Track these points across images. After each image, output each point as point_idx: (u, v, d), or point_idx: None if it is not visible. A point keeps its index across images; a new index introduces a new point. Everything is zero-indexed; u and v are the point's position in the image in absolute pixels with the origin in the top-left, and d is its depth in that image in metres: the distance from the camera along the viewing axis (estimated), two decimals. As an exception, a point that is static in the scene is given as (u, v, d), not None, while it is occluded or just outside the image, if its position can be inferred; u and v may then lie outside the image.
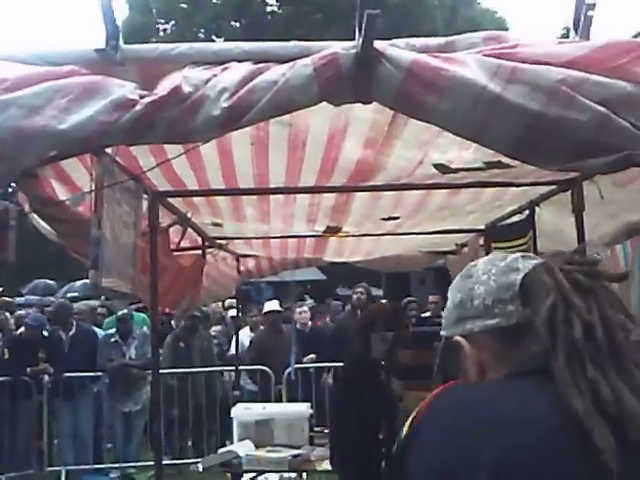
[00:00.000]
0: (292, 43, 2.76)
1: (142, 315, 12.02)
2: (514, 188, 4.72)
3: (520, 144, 2.48)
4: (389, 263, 8.98)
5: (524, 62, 2.45)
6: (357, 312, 11.37)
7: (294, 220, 6.22)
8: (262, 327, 11.97)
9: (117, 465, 10.82)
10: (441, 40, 2.79)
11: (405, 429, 1.61)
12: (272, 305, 11.71)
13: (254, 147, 3.84)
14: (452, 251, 8.30)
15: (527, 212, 5.66)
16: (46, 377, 10.52)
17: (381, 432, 6.09)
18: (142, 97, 2.53)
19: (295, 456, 6.72)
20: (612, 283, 1.66)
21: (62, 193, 3.82)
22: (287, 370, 10.65)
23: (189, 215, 5.68)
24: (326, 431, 7.73)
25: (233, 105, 2.49)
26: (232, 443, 7.47)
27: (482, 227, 6.88)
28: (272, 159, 4.08)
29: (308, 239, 7.66)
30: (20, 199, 3.81)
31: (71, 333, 10.73)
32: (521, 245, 5.86)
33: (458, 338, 1.73)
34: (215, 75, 2.58)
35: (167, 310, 11.21)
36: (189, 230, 6.03)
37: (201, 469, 6.96)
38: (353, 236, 7.18)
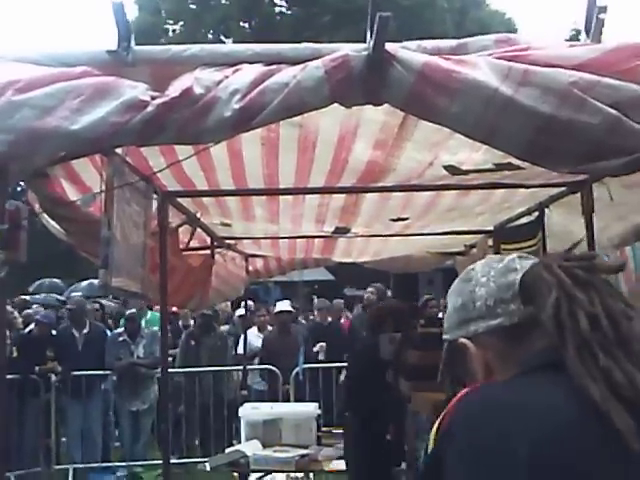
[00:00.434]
0: (303, 45, 2.76)
1: (157, 314, 12.10)
2: (524, 189, 4.71)
3: (531, 146, 2.48)
4: (398, 264, 8.99)
5: (536, 65, 2.45)
6: (367, 312, 11.39)
7: (303, 220, 6.22)
8: (269, 327, 12.00)
9: (124, 464, 10.82)
10: (453, 42, 2.79)
11: (431, 441, 1.62)
12: (283, 305, 11.72)
13: (264, 148, 3.85)
14: (461, 252, 8.30)
15: (536, 213, 5.66)
16: (54, 376, 10.54)
17: (389, 433, 6.10)
18: (154, 98, 2.53)
19: (302, 456, 6.73)
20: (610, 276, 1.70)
21: (72, 193, 3.84)
22: (295, 370, 10.65)
23: (198, 215, 5.69)
24: (334, 431, 7.75)
25: (244, 106, 2.50)
26: (240, 442, 7.48)
27: (491, 228, 6.87)
28: (282, 160, 4.09)
29: (317, 239, 7.67)
30: (30, 198, 3.82)
31: (85, 331, 10.76)
32: (530, 247, 5.85)
33: (463, 340, 1.76)
34: (226, 77, 2.59)
35: (174, 309, 11.23)
36: (198, 230, 6.05)
37: (208, 468, 6.97)
38: (362, 236, 7.18)
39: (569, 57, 2.49)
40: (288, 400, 10.39)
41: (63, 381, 10.51)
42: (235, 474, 7.16)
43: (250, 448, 6.84)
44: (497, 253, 6.72)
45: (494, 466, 1.44)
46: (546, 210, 5.49)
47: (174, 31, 34.27)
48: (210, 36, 32.75)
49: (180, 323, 12.53)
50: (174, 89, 2.55)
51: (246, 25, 33.65)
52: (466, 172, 4.16)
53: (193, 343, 11.22)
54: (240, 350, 11.05)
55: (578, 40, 2.89)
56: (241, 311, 11.91)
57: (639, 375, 1.47)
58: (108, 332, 11.31)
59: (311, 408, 7.59)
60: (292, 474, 7.26)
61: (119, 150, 3.45)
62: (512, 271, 1.71)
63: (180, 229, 5.62)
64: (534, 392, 1.52)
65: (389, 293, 12.21)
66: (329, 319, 12.43)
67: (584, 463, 1.41)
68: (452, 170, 4.13)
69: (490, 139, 2.56)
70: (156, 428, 10.72)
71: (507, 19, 37.17)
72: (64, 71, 2.62)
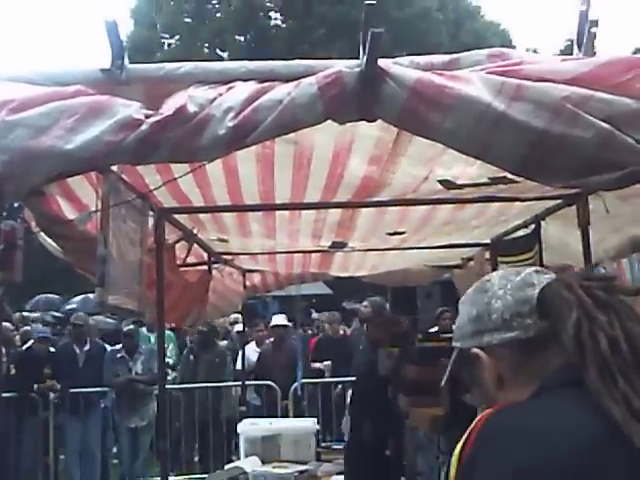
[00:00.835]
0: (296, 62, 2.77)
1: (170, 334, 12.13)
2: (519, 203, 4.72)
3: (524, 162, 2.49)
4: (395, 277, 8.98)
5: (528, 79, 2.46)
6: (364, 325, 11.40)
7: (300, 235, 6.22)
8: (268, 341, 12.00)
9: (123, 481, 10.80)
10: (445, 57, 2.80)
11: (453, 468, 1.61)
12: (279, 319, 11.72)
13: (259, 164, 3.86)
14: (458, 265, 8.29)
15: (533, 226, 5.66)
16: (52, 393, 10.52)
17: (388, 449, 6.08)
18: (147, 117, 2.54)
19: (302, 472, 6.70)
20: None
21: (68, 210, 3.83)
22: (294, 385, 10.63)
23: (195, 231, 5.69)
24: (334, 447, 7.73)
25: (238, 124, 2.50)
26: (239, 459, 7.46)
27: (488, 241, 6.87)
28: (277, 176, 4.10)
29: (314, 254, 7.67)
30: (26, 216, 3.82)
31: (86, 348, 10.75)
32: (527, 259, 5.85)
33: (476, 350, 1.76)
34: (220, 94, 2.59)
35: (173, 325, 11.23)
36: (195, 246, 6.04)
37: (208, 485, 6.95)
38: (359, 251, 7.18)
39: (561, 71, 2.49)
40: (287, 415, 10.37)
41: (61, 398, 10.48)
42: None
43: (249, 464, 6.82)
44: (494, 266, 6.73)
45: None
46: (542, 223, 5.49)
47: (170, 45, 34.27)
48: (206, 50, 32.78)
49: (188, 339, 12.49)
50: (168, 107, 2.56)
51: (242, 38, 33.66)
52: (461, 186, 4.16)
53: (192, 358, 11.20)
54: (239, 366, 11.03)
55: (572, 51, 2.89)
56: (239, 326, 11.90)
57: None
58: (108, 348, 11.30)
59: (310, 423, 7.56)
60: (292, 490, 7.24)
61: (114, 168, 3.45)
62: (530, 286, 1.72)
63: (177, 245, 5.62)
64: (560, 413, 1.52)
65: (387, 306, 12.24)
66: (341, 332, 12.48)
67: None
68: (447, 184, 4.14)
69: (483, 154, 2.57)
70: (155, 445, 10.69)
71: (502, 30, 37.20)
72: (58, 90, 2.62)
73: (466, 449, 1.58)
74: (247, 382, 10.57)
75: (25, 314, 14.18)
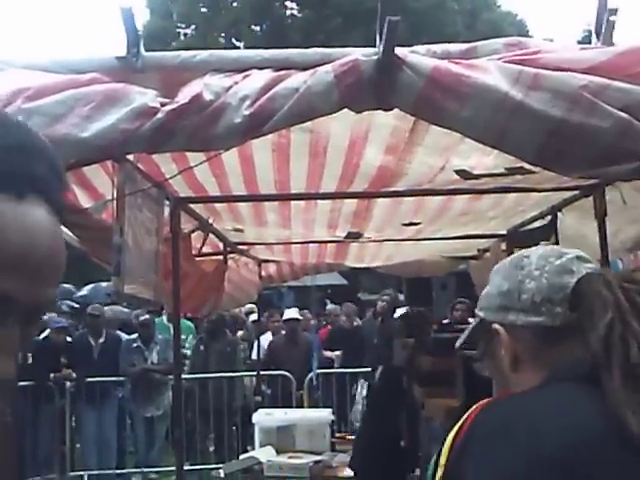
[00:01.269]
0: (312, 50, 2.76)
1: (190, 324, 12.15)
2: (536, 193, 4.69)
3: (542, 151, 2.47)
4: (410, 268, 8.96)
5: (546, 68, 2.44)
6: (377, 319, 11.42)
7: (315, 225, 6.22)
8: (284, 332, 12.04)
9: (139, 470, 10.84)
10: (462, 46, 2.78)
11: (444, 454, 1.59)
12: (291, 313, 11.73)
13: (275, 153, 3.85)
14: (474, 256, 8.26)
15: (549, 217, 5.63)
16: (68, 382, 10.56)
17: (403, 440, 6.07)
18: (163, 105, 2.53)
19: (316, 462, 6.71)
20: None
21: (84, 199, 3.84)
22: (309, 375, 10.64)
23: (211, 221, 5.69)
24: (348, 437, 7.73)
25: (254, 113, 2.49)
26: (254, 449, 7.47)
27: (504, 232, 6.84)
28: (293, 165, 4.09)
29: (329, 244, 7.66)
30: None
31: (101, 340, 10.79)
32: (543, 251, 5.82)
33: (497, 326, 1.74)
34: (236, 82, 2.58)
35: (191, 315, 11.25)
36: (211, 236, 6.05)
37: (223, 475, 6.96)
38: (374, 241, 7.17)
39: (579, 60, 2.47)
40: (302, 406, 10.38)
41: (78, 387, 10.53)
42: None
43: (264, 454, 6.83)
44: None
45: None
46: (559, 214, 5.46)
47: (185, 35, 34.31)
48: (222, 39, 32.77)
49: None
50: (183, 95, 2.55)
51: (257, 28, 33.64)
52: (478, 176, 4.14)
53: (202, 349, 11.21)
54: (254, 356, 11.04)
55: (590, 41, 2.87)
56: (254, 317, 11.92)
57: None
58: (124, 336, 11.33)
59: (325, 414, 7.56)
60: (306, 480, 7.25)
61: (130, 157, 3.45)
62: (568, 273, 1.67)
63: (192, 235, 5.63)
64: (560, 409, 1.50)
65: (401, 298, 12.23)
66: (355, 323, 12.50)
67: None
68: (464, 174, 4.12)
69: (500, 143, 2.55)
70: (170, 434, 10.72)
71: (518, 20, 37.08)
72: (73, 78, 2.62)
73: (458, 437, 1.57)
74: (262, 372, 10.58)
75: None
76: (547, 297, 1.65)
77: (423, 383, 5.67)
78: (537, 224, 6.04)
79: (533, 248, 1.82)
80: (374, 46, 2.54)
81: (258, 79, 2.57)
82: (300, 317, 11.74)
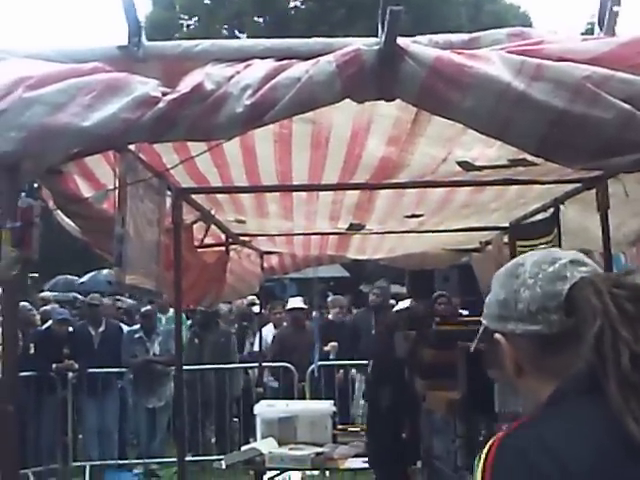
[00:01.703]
0: (314, 39, 2.75)
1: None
2: (538, 186, 4.69)
3: (544, 142, 2.46)
4: (413, 260, 8.96)
5: (549, 59, 2.43)
6: (372, 312, 11.42)
7: (317, 217, 6.21)
8: (285, 324, 12.02)
9: (141, 461, 10.85)
10: (465, 37, 2.77)
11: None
12: (295, 302, 11.71)
13: (277, 144, 3.84)
14: (476, 249, 8.26)
15: (552, 210, 5.62)
16: (70, 373, 10.57)
17: (405, 431, 6.09)
18: (164, 94, 2.53)
19: (318, 454, 6.72)
20: None
21: (86, 189, 3.84)
22: (310, 367, 10.63)
23: (212, 212, 5.69)
24: (350, 429, 7.75)
25: (256, 102, 2.49)
26: (255, 440, 7.48)
27: (506, 225, 6.84)
28: (295, 156, 4.08)
29: (331, 236, 7.65)
30: (44, 195, 3.83)
31: (101, 329, 10.79)
32: (546, 243, 5.82)
33: (498, 336, 1.74)
34: (238, 72, 2.58)
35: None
36: (212, 227, 6.05)
37: (224, 466, 6.98)
38: (376, 233, 7.16)
39: (582, 51, 2.46)
40: (303, 397, 10.38)
41: (79, 378, 10.53)
42: (251, 472, 7.17)
43: (266, 446, 6.84)
44: (513, 250, 6.70)
45: None
46: (561, 206, 5.46)
47: (188, 26, 34.22)
48: (224, 31, 32.69)
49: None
50: (185, 85, 2.55)
51: (260, 20, 33.55)
52: (480, 168, 4.14)
53: (197, 341, 11.18)
54: (256, 347, 11.04)
55: (593, 34, 2.86)
56: (256, 308, 11.91)
57: None
58: (124, 327, 11.33)
59: (326, 406, 7.58)
60: (307, 472, 7.26)
61: (132, 147, 3.45)
62: (561, 279, 1.67)
63: (194, 226, 5.62)
64: (575, 430, 1.50)
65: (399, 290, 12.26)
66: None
67: None
68: (466, 166, 4.11)
69: (503, 134, 2.55)
70: (172, 425, 10.73)
71: (522, 13, 36.96)
72: (75, 67, 2.62)
73: (485, 477, 1.56)
74: (264, 364, 10.58)
75: (45, 294, 14.25)
76: (542, 305, 1.66)
77: (425, 375, 5.68)
78: (539, 217, 6.04)
79: (529, 254, 1.81)
80: (377, 37, 2.53)
81: (260, 69, 2.56)
82: (305, 306, 11.70)
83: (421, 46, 2.55)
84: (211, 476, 9.69)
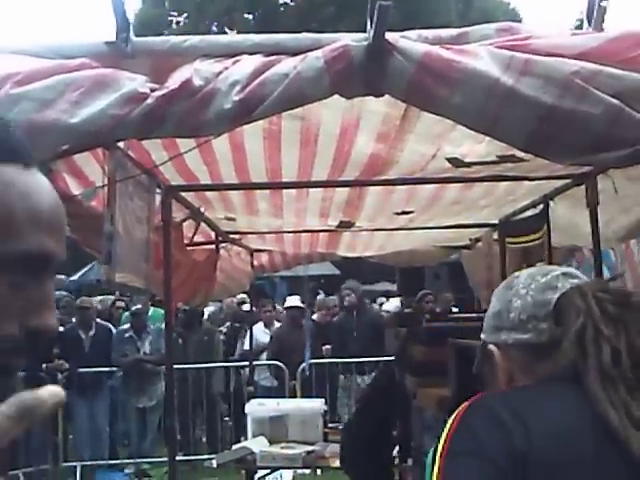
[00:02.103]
0: (303, 35, 2.75)
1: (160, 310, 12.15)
2: (528, 182, 4.69)
3: (533, 137, 2.47)
4: (403, 258, 8.96)
5: (537, 54, 2.43)
6: (353, 312, 11.44)
7: (307, 214, 6.21)
8: (277, 322, 12.02)
9: (132, 461, 10.84)
10: (453, 32, 2.77)
11: (440, 446, 1.61)
12: (293, 301, 11.71)
13: (266, 141, 3.83)
14: (466, 246, 8.27)
15: (541, 206, 5.62)
16: (60, 373, 10.54)
17: (395, 429, 6.08)
18: (153, 90, 2.52)
19: (309, 452, 6.71)
20: None
21: (75, 187, 3.83)
22: (301, 365, 10.64)
23: (202, 209, 5.68)
24: (340, 427, 7.74)
25: (244, 98, 2.48)
26: (246, 439, 7.47)
27: (496, 222, 6.84)
28: (284, 153, 4.08)
29: (321, 234, 7.65)
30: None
31: (91, 333, 10.76)
32: (535, 240, 5.82)
33: (491, 347, 1.80)
34: (226, 68, 2.57)
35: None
36: (202, 225, 6.03)
37: (215, 465, 6.97)
38: (366, 230, 7.16)
39: (571, 46, 2.46)
40: (295, 396, 10.38)
41: (69, 378, 10.50)
42: (242, 471, 7.16)
43: (257, 445, 6.83)
44: (502, 247, 6.71)
45: (505, 465, 1.45)
46: (551, 203, 5.46)
47: (178, 23, 34.13)
48: (214, 28, 32.66)
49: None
50: (173, 81, 2.54)
51: (250, 16, 33.54)
52: (469, 164, 4.14)
53: (180, 342, 11.12)
54: (246, 346, 11.04)
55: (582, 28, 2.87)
56: (246, 307, 11.90)
57: None
58: (113, 330, 11.30)
59: (317, 404, 7.57)
60: (299, 470, 7.25)
61: (121, 144, 3.44)
62: (552, 289, 1.72)
63: (184, 224, 5.61)
64: (549, 401, 1.55)
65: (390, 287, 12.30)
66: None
67: (582, 471, 1.45)
68: (455, 162, 4.11)
69: (492, 130, 2.55)
70: (163, 425, 10.72)
71: (511, 9, 37.03)
72: (62, 63, 2.61)
73: (451, 431, 1.59)
74: (255, 362, 10.57)
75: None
76: (532, 314, 1.71)
77: (415, 373, 5.67)
78: (529, 213, 6.05)
79: (525, 270, 1.87)
80: (365, 32, 2.53)
81: (248, 64, 2.56)
82: (302, 305, 11.70)
83: (410, 41, 2.54)
84: (202, 475, 9.68)
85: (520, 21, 33.53)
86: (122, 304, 12.97)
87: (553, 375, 1.63)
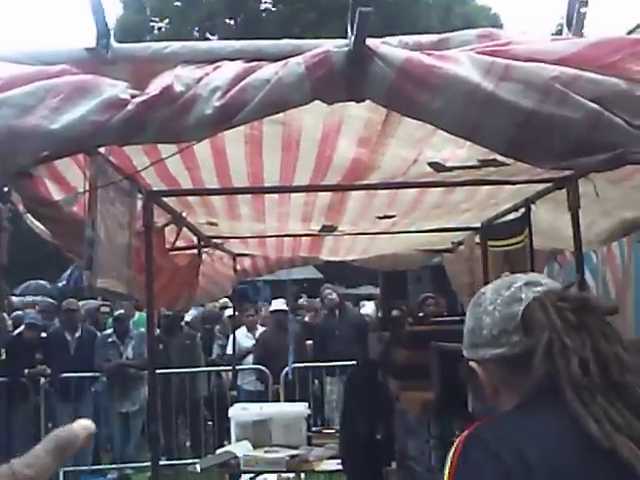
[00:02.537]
0: (284, 41, 2.75)
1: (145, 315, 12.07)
2: (509, 186, 4.70)
3: (513, 142, 2.47)
4: (385, 261, 8.96)
5: (517, 59, 2.44)
6: (335, 312, 11.52)
7: (289, 219, 6.20)
8: (260, 326, 12.01)
9: (115, 466, 10.80)
10: (434, 38, 2.78)
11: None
12: (278, 304, 11.71)
13: (248, 146, 3.83)
14: (448, 249, 8.28)
15: (523, 210, 5.64)
16: (43, 378, 10.49)
17: (378, 432, 6.09)
18: (133, 97, 2.51)
19: (293, 456, 6.72)
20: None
21: (56, 193, 3.81)
22: (285, 369, 10.63)
23: (184, 214, 5.67)
24: (324, 431, 7.75)
25: (225, 104, 2.48)
26: (230, 443, 7.46)
27: (478, 225, 6.86)
28: (266, 158, 4.07)
29: (304, 238, 7.65)
30: (14, 199, 3.79)
31: (77, 335, 10.74)
32: (517, 243, 5.84)
33: (472, 363, 1.83)
34: (207, 74, 2.57)
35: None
36: (184, 230, 6.02)
37: (199, 470, 6.96)
38: (349, 234, 7.16)
39: (551, 51, 2.47)
40: (278, 400, 10.37)
41: (52, 384, 10.46)
42: (226, 475, 7.16)
43: (240, 449, 6.83)
44: (484, 250, 6.72)
45: None
46: (532, 206, 5.48)
47: (159, 29, 34.12)
48: (196, 33, 32.67)
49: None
50: (154, 87, 2.53)
51: (232, 22, 33.56)
52: (450, 169, 4.15)
53: (161, 347, 11.07)
54: (229, 350, 11.02)
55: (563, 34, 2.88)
56: (229, 311, 11.88)
57: (635, 421, 1.54)
58: (99, 334, 11.27)
59: (301, 408, 7.57)
60: (283, 474, 7.25)
61: (102, 150, 3.42)
62: (517, 301, 1.75)
63: (166, 229, 5.60)
64: (535, 427, 1.57)
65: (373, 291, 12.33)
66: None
67: None
68: (437, 167, 4.12)
69: (472, 135, 2.55)
70: (146, 430, 10.68)
71: (492, 15, 37.14)
72: (43, 69, 2.60)
73: (450, 471, 1.61)
74: (238, 367, 10.55)
75: (18, 299, 14.16)
76: (503, 329, 1.74)
77: (398, 376, 5.68)
78: (511, 216, 6.06)
79: (490, 285, 1.90)
80: (347, 38, 2.53)
81: (229, 70, 2.56)
82: (287, 308, 11.69)
83: (390, 47, 2.55)
84: (186, 480, 9.66)
85: (501, 27, 33.69)
86: (107, 309, 12.92)
87: (533, 387, 1.66)
